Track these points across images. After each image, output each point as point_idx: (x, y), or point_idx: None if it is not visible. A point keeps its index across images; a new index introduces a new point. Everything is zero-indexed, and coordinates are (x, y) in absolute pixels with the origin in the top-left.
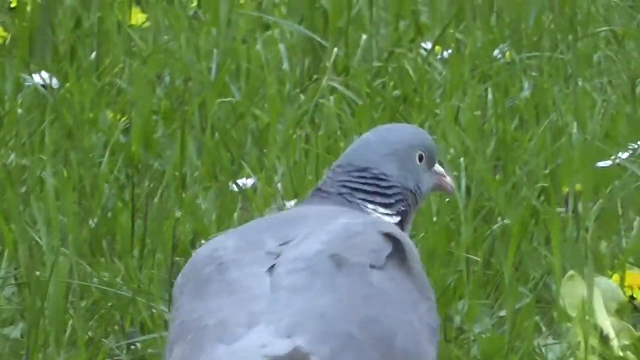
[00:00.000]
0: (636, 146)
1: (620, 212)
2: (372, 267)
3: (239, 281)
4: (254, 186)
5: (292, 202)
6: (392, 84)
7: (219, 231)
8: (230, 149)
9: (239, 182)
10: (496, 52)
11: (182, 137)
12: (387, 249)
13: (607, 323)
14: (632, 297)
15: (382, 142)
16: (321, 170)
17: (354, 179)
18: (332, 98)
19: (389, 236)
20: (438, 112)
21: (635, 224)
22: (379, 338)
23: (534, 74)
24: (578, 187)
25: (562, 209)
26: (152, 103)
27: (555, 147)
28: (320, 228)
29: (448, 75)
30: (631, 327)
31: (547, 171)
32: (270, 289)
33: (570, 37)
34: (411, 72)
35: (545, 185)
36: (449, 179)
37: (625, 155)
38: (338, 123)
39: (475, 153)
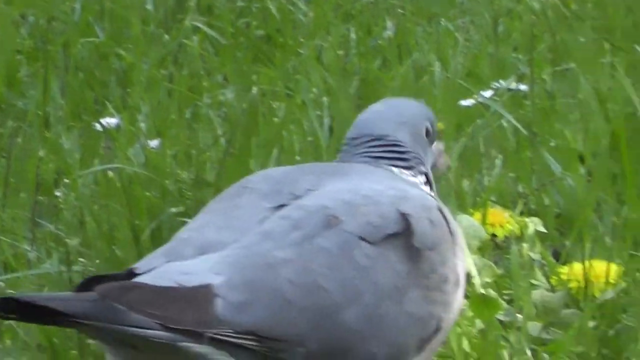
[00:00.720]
0: (498, 85)
1: (482, 150)
2: (362, 239)
3: (239, 208)
4: (117, 125)
5: (155, 141)
6: (255, 23)
7: (82, 170)
8: (94, 88)
9: (103, 121)
10: None
11: (46, 77)
12: (393, 227)
13: (469, 260)
14: (493, 235)
15: (394, 112)
16: (184, 109)
17: (372, 149)
18: (195, 38)
19: (404, 215)
20: (301, 51)
21: (497, 162)
22: (316, 307)
23: (398, 12)
24: (440, 125)
25: None
26: (15, 42)
27: (418, 85)
28: (346, 183)
29: (311, 15)
30: (492, 265)
31: None
32: (254, 225)
33: None
34: (275, 12)
35: None
36: (444, 158)
37: (487, 94)
38: (201, 62)
39: (338, 92)
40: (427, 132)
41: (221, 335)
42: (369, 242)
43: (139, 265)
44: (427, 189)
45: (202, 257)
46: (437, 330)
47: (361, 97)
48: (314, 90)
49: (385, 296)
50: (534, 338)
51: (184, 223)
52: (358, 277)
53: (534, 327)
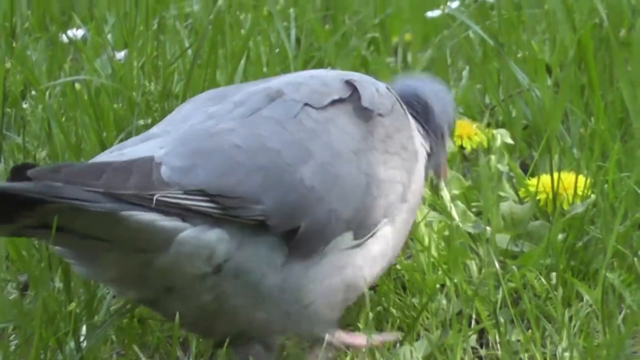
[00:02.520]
0: None
1: (449, 61)
2: (307, 105)
3: (182, 111)
4: (83, 37)
5: (122, 53)
6: None
7: (49, 81)
8: None
9: (69, 32)
10: None
11: None
12: (338, 92)
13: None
14: (461, 147)
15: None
16: (151, 20)
17: (415, 103)
18: None
19: (348, 83)
20: None
21: (464, 73)
22: (266, 165)
23: None
24: (407, 36)
25: (392, 59)
26: None
27: None
28: (290, 77)
29: None
30: (460, 176)
31: (377, 21)
32: (197, 115)
33: None
34: None
35: (375, 34)
36: (445, 167)
37: (454, 5)
38: None
39: (305, 3)
40: (446, 129)
41: (168, 197)
42: (315, 108)
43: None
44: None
45: (145, 143)
46: (404, 199)
47: (328, 7)
48: (281, 1)
49: (338, 156)
50: (502, 250)
51: None
52: (306, 138)
53: (502, 239)
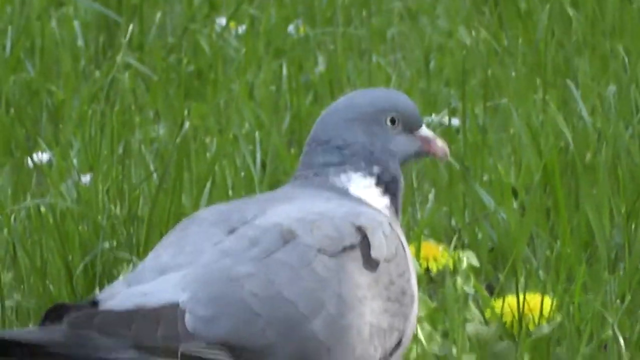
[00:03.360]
0: (430, 119)
1: (415, 184)
2: (320, 251)
3: (190, 235)
4: (49, 161)
5: (88, 176)
6: (186, 59)
7: (14, 205)
8: (25, 124)
9: (35, 157)
10: (290, 27)
11: None
12: (350, 239)
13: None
14: (427, 269)
15: (348, 107)
16: (116, 144)
17: (319, 155)
18: (127, 74)
19: (359, 229)
20: (233, 87)
21: (430, 196)
22: (282, 317)
23: (329, 47)
24: None
25: None
26: None
27: None
28: (295, 205)
29: (242, 51)
30: (427, 298)
31: None
32: (209, 247)
33: (364, 12)
34: (206, 48)
35: None
36: (438, 143)
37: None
38: (133, 98)
39: (270, 127)
40: (393, 121)
41: (193, 349)
42: (327, 255)
43: (101, 295)
44: (376, 192)
45: (162, 278)
46: (399, 343)
47: (293, 132)
48: (246, 125)
49: (348, 307)
50: None
51: (117, 257)
52: (320, 288)
53: None
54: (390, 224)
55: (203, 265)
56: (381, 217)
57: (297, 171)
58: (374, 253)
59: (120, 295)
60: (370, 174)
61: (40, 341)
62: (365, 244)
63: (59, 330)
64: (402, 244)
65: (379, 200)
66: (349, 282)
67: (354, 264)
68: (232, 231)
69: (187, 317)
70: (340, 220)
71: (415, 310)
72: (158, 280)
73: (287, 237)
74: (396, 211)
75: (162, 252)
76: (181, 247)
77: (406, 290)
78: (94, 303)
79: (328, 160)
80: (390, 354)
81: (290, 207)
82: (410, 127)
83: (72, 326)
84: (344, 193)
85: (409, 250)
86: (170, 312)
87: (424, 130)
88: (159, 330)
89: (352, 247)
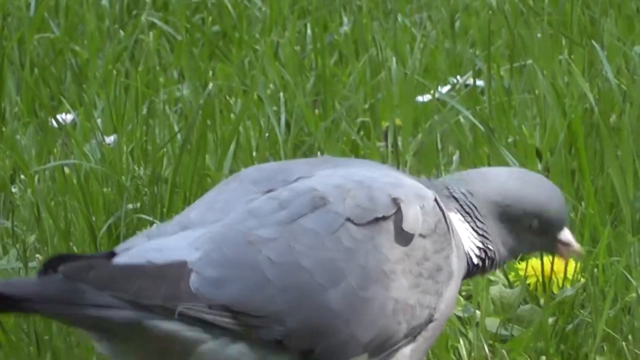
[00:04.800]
0: (455, 80)
1: (439, 146)
2: (349, 220)
3: (227, 192)
4: (73, 121)
5: (112, 137)
6: (211, 19)
7: (38, 166)
8: (50, 84)
9: (59, 117)
10: None
11: (1, 73)
12: (383, 210)
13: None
14: None
15: (506, 190)
16: (141, 105)
17: (464, 203)
18: (151, 34)
19: (395, 200)
20: (257, 47)
21: (454, 158)
22: (296, 286)
23: (353, 8)
24: (398, 121)
25: (382, 143)
26: None
27: (375, 81)
28: (341, 171)
29: (267, 11)
30: None
31: (367, 106)
32: (240, 206)
33: None
34: (230, 8)
35: (365, 119)
36: (574, 247)
37: (444, 90)
38: (157, 58)
39: (295, 88)
40: (539, 225)
41: (193, 310)
42: (356, 224)
43: (119, 246)
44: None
45: (182, 233)
46: (430, 320)
47: (318, 93)
48: (271, 86)
49: (372, 280)
50: (492, 334)
51: (140, 219)
52: (343, 258)
53: (492, 323)
54: (436, 200)
55: (225, 225)
56: (425, 191)
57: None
58: (406, 226)
59: (134, 249)
60: (475, 231)
61: (26, 295)
62: (399, 216)
63: (52, 283)
64: (446, 221)
65: (463, 231)
66: (375, 254)
67: (385, 236)
68: (270, 191)
69: (193, 277)
70: (377, 190)
71: (454, 288)
72: (176, 236)
73: (317, 204)
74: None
75: (195, 207)
76: (213, 203)
77: (442, 267)
78: (111, 255)
79: (458, 205)
80: (419, 331)
81: (335, 172)
82: (552, 230)
83: (66, 278)
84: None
85: (461, 231)
86: (176, 271)
87: (565, 235)
88: (161, 289)
89: (383, 218)
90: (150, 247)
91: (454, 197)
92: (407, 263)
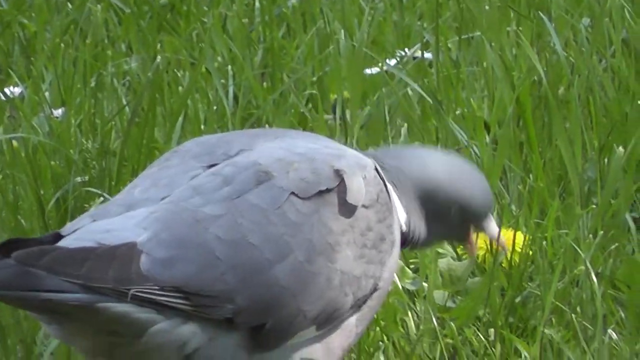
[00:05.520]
0: (403, 53)
1: (387, 118)
2: (293, 194)
3: (170, 168)
4: (21, 94)
5: (60, 110)
6: None
7: None
8: None
9: (7, 90)
10: None
11: None
12: (326, 182)
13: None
14: None
15: (432, 172)
16: (88, 78)
17: (392, 166)
18: (99, 6)
19: (337, 172)
20: (205, 20)
21: (402, 130)
22: (245, 263)
23: None
24: (346, 94)
25: (330, 116)
26: None
27: (323, 54)
28: (283, 143)
29: None
30: None
31: (315, 78)
32: (184, 182)
33: None
34: None
35: (313, 92)
36: (498, 240)
37: (392, 62)
38: (105, 31)
39: (243, 61)
40: (461, 214)
41: (145, 292)
42: (301, 198)
43: (65, 228)
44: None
45: (128, 213)
46: (375, 289)
47: (266, 65)
48: (219, 59)
49: (317, 253)
50: (440, 306)
51: (89, 192)
52: (289, 233)
53: (441, 295)
54: (376, 169)
55: (171, 203)
56: (366, 161)
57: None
58: (350, 197)
59: (80, 230)
60: (402, 206)
61: None
62: (342, 187)
63: (4, 267)
64: (386, 189)
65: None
66: (321, 227)
67: (329, 208)
68: (212, 166)
69: (144, 258)
70: (320, 162)
71: (396, 256)
72: (122, 216)
73: (261, 178)
74: (416, 240)
75: (137, 184)
76: (157, 180)
77: (385, 236)
78: (57, 236)
79: (389, 178)
80: (364, 301)
81: (276, 145)
82: (474, 220)
83: (19, 263)
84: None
85: (394, 194)
86: (126, 253)
87: (487, 223)
88: (111, 271)
89: (327, 190)
90: (97, 228)
91: (385, 169)
92: (352, 234)
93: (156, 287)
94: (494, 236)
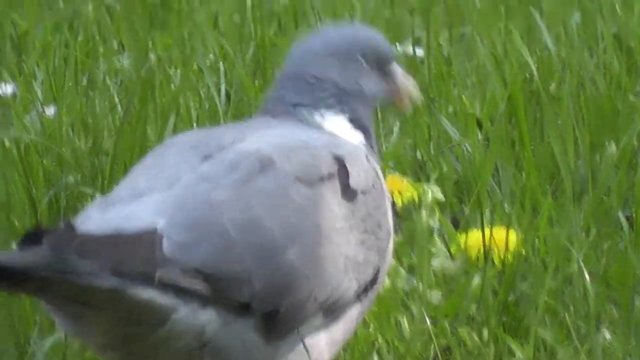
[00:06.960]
0: (394, 49)
1: (380, 116)
2: (298, 179)
3: (167, 159)
4: (13, 92)
5: (52, 108)
6: None
7: None
8: None
9: None
10: None
11: None
12: (327, 168)
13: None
14: (392, 202)
15: (319, 42)
16: (80, 76)
17: (290, 91)
18: (90, 3)
19: (337, 158)
20: (197, 17)
21: (394, 128)
22: (260, 244)
23: None
24: None
25: None
26: None
27: None
28: (276, 132)
29: None
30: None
31: None
32: (187, 171)
33: None
34: None
35: None
36: (404, 88)
37: None
38: (97, 28)
39: (235, 58)
40: (365, 56)
41: (169, 276)
42: (305, 183)
43: (77, 219)
44: (349, 128)
45: (139, 201)
46: (375, 278)
47: (257, 62)
48: (210, 56)
49: (324, 237)
50: (434, 306)
51: (81, 192)
52: (296, 216)
53: (434, 295)
54: (367, 157)
55: (181, 189)
56: (359, 150)
57: (267, 104)
58: (352, 182)
59: (97, 219)
60: (342, 112)
61: (19, 265)
62: (343, 173)
63: (39, 254)
64: (378, 177)
65: (354, 136)
66: (326, 212)
67: (332, 193)
68: (207, 157)
69: (165, 242)
70: (318, 149)
71: (391, 246)
72: (135, 203)
73: (265, 164)
74: (372, 147)
75: (139, 175)
76: (158, 171)
77: (382, 223)
78: (71, 226)
79: (299, 101)
80: (366, 289)
81: (270, 134)
82: (381, 63)
83: (53, 249)
84: (319, 128)
85: (385, 185)
86: (149, 237)
87: (395, 68)
88: (138, 255)
89: (329, 176)
90: (113, 216)
91: (293, 93)
92: (353, 220)
93: (179, 271)
94: (403, 81)
